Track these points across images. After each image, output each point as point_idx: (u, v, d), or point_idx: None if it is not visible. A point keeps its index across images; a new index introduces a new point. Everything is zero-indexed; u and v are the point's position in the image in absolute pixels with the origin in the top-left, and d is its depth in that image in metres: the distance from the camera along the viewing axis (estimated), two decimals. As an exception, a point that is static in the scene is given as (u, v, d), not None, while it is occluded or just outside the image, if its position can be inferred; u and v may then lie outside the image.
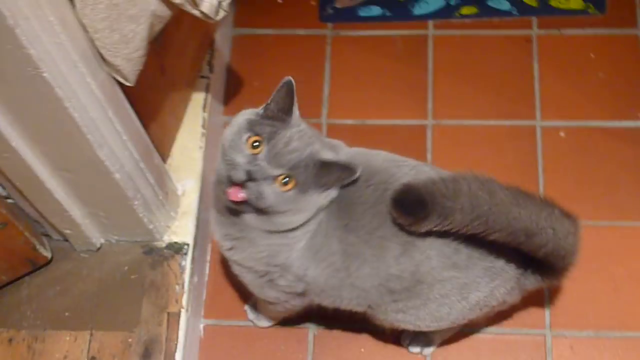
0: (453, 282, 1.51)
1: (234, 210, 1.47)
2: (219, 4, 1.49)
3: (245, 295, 1.95)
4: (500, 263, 1.53)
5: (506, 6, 2.24)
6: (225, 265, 1.99)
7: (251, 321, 1.92)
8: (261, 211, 1.43)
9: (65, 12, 1.31)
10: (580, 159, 2.05)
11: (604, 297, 1.91)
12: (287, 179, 1.40)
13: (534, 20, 2.23)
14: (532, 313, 1.90)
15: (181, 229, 1.87)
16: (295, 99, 1.44)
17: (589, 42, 2.20)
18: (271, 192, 1.40)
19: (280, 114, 1.43)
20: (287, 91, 1.43)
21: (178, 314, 1.80)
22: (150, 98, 1.76)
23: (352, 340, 1.90)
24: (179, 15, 1.70)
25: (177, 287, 1.82)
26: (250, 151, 1.40)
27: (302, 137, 1.42)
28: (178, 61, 1.89)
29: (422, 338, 1.83)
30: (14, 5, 1.20)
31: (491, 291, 1.56)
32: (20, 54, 1.26)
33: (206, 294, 1.97)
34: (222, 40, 2.19)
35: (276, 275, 1.57)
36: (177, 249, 1.85)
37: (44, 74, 1.30)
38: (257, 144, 1.39)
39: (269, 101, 1.46)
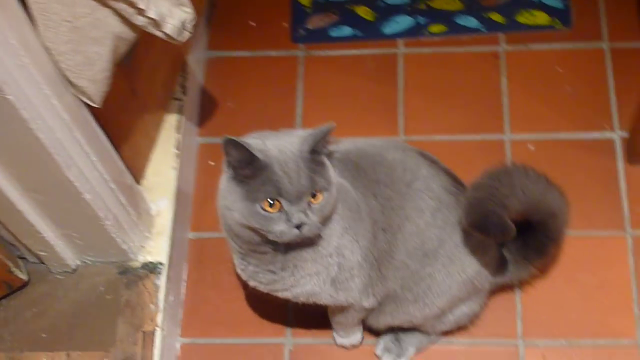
0: (459, 248, 1.65)
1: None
2: (183, 25, 1.52)
3: (222, 313, 1.98)
4: (490, 240, 1.67)
5: (474, 23, 2.28)
6: (201, 284, 2.02)
7: (347, 345, 1.91)
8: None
9: (27, 35, 1.34)
10: (548, 170, 2.06)
11: (575, 305, 1.93)
12: (314, 194, 1.42)
13: (502, 36, 2.27)
14: (504, 323, 1.93)
15: (155, 248, 1.90)
16: (245, 142, 1.39)
17: (555, 56, 2.24)
18: (316, 215, 1.43)
19: (252, 164, 1.39)
20: (234, 146, 1.38)
21: (153, 333, 1.82)
22: (121, 120, 1.80)
23: (327, 354, 1.93)
24: (149, 39, 1.73)
25: (152, 306, 1.84)
26: (276, 212, 1.40)
27: (286, 155, 1.41)
28: (149, 84, 1.93)
29: (395, 347, 1.86)
30: (-27, 30, 1.23)
31: (481, 268, 1.68)
32: (-17, 78, 1.29)
33: (183, 312, 1.99)
34: (196, 63, 2.22)
35: (334, 268, 1.57)
36: (151, 268, 1.87)
37: (8, 97, 1.33)
38: (272, 202, 1.40)
39: (228, 167, 1.43)
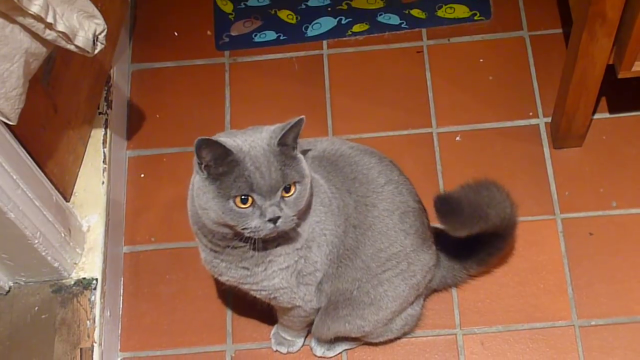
0: (417, 252, 1.69)
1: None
2: (95, 37, 1.51)
3: (161, 325, 1.97)
4: (430, 240, 1.74)
5: (396, 20, 2.31)
6: (139, 297, 2.00)
7: (284, 352, 1.92)
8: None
9: None
10: (477, 160, 2.11)
11: (510, 291, 1.96)
12: (287, 187, 1.42)
13: (424, 31, 2.30)
14: (442, 314, 1.95)
15: (88, 264, 1.88)
16: (221, 140, 1.39)
17: (477, 47, 2.27)
18: (290, 208, 1.43)
19: (225, 160, 1.39)
20: (206, 146, 1.37)
21: (91, 349, 1.81)
22: (43, 137, 1.78)
23: (269, 358, 1.93)
24: (67, 54, 1.72)
25: (88, 322, 1.83)
26: (249, 207, 1.40)
27: (256, 150, 1.40)
28: (71, 100, 1.91)
29: (326, 342, 1.88)
30: None
31: (430, 270, 1.74)
32: None
33: (121, 327, 1.98)
34: (121, 76, 2.21)
35: (302, 261, 1.57)
36: (85, 284, 1.86)
37: None
38: (244, 198, 1.40)
39: (202, 166, 1.41)
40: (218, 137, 1.44)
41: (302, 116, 1.43)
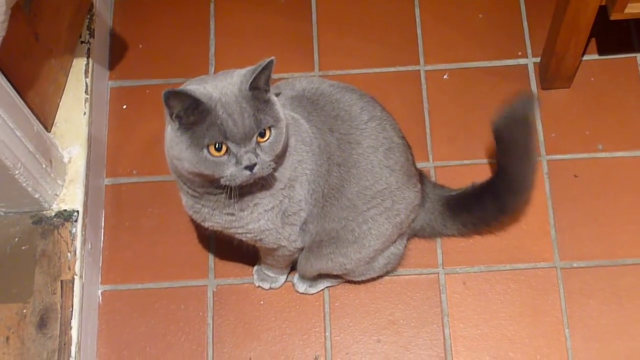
0: (402, 190, 1.68)
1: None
2: (79, -37, 1.47)
3: (142, 258, 1.96)
4: (415, 178, 1.74)
5: (380, -46, 2.26)
6: (120, 230, 1.99)
7: (266, 287, 1.92)
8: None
9: None
10: (464, 99, 2.09)
11: (493, 231, 1.96)
12: (262, 132, 1.39)
13: (414, -34, 2.26)
14: (425, 254, 1.95)
15: (69, 196, 1.86)
16: (186, 89, 1.37)
17: (467, -16, 2.23)
18: (267, 153, 1.40)
19: (196, 110, 1.36)
20: (175, 97, 1.35)
21: (72, 281, 1.79)
22: (25, 66, 1.74)
23: (251, 294, 1.92)
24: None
25: (69, 254, 1.81)
26: (223, 155, 1.37)
27: (227, 96, 1.37)
28: (53, 28, 1.87)
29: (309, 279, 1.88)
30: None
31: (413, 209, 1.73)
32: None
33: (102, 260, 1.96)
34: (103, 4, 2.16)
35: (286, 201, 1.56)
36: (66, 216, 1.84)
37: None
38: (219, 145, 1.37)
39: (172, 116, 1.38)
40: (187, 85, 1.42)
41: (272, 57, 1.38)
